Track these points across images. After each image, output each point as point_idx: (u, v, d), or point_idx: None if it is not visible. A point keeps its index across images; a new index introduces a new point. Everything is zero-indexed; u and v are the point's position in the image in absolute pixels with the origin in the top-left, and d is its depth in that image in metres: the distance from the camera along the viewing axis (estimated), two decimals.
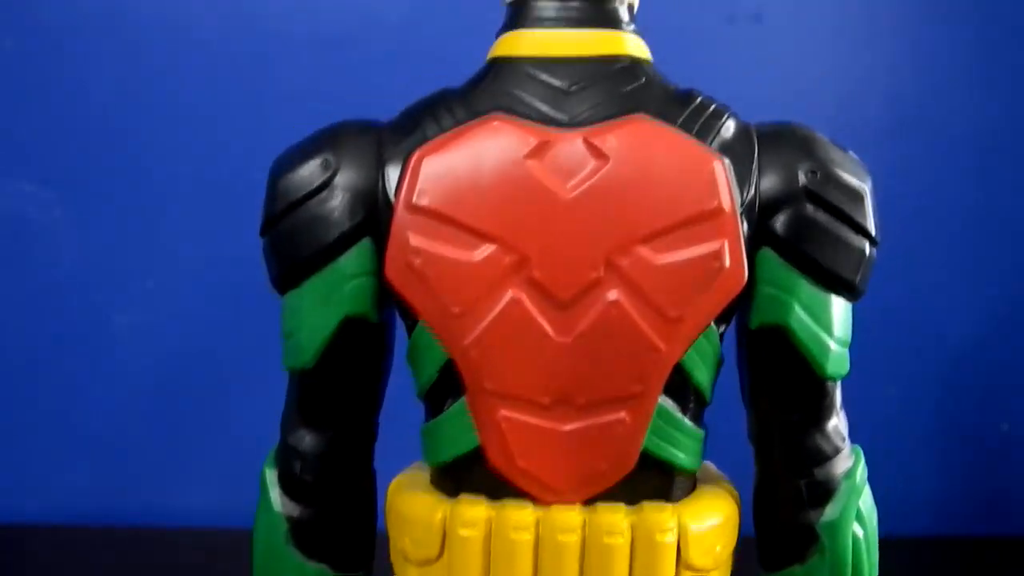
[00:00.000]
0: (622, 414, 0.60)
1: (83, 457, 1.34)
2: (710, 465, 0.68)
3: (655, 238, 0.58)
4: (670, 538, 0.60)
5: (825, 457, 0.63)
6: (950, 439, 1.37)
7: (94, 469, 1.35)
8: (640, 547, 0.60)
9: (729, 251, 0.58)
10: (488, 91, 0.61)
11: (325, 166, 0.61)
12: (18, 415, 1.34)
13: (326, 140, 0.63)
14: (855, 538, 0.63)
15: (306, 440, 0.64)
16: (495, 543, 0.60)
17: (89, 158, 1.30)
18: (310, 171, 0.61)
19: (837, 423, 0.64)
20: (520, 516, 0.60)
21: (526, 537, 0.60)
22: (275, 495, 0.65)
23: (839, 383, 0.64)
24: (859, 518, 0.63)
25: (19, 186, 1.31)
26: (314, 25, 1.30)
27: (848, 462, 0.64)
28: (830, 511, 0.63)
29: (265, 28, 1.29)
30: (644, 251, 0.58)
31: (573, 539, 0.60)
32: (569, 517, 0.60)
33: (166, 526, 1.32)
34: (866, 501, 0.64)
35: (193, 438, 1.34)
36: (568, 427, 0.60)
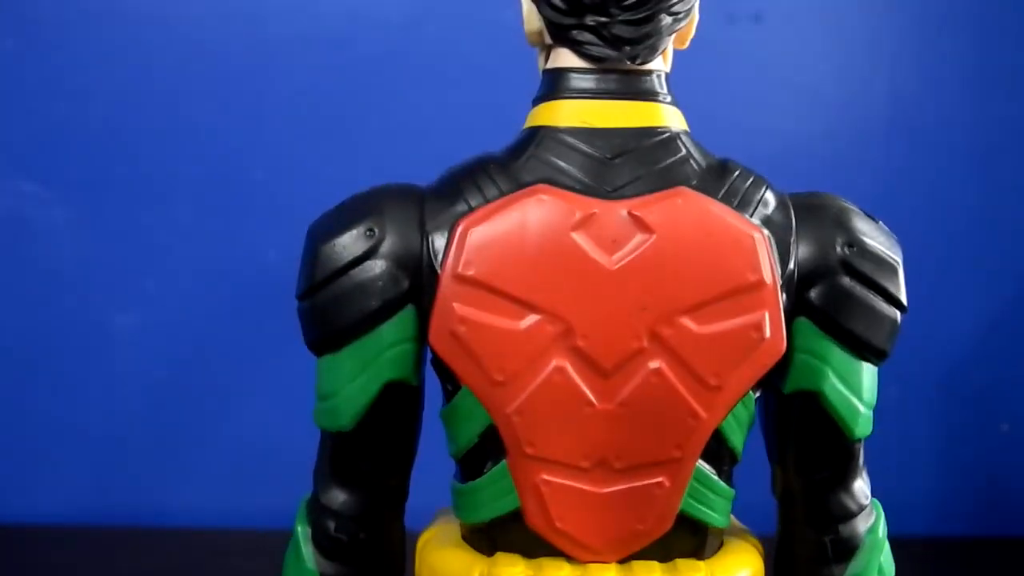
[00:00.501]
0: (661, 478, 0.60)
1: (83, 457, 1.34)
2: (733, 518, 0.69)
3: (698, 309, 0.59)
4: None
5: (850, 514, 0.65)
6: (950, 439, 1.37)
7: (94, 469, 1.35)
8: None
9: (770, 322, 0.59)
10: (531, 160, 0.61)
11: (369, 235, 0.61)
12: (18, 415, 1.34)
13: (369, 206, 0.62)
14: None
15: (340, 499, 0.64)
16: None
17: (89, 158, 1.30)
18: (353, 239, 0.61)
19: (861, 483, 0.66)
20: (558, 575, 0.61)
21: None
22: (308, 552, 0.65)
23: (863, 444, 0.66)
24: (881, 572, 0.66)
25: (19, 186, 1.31)
26: (314, 25, 1.30)
27: (870, 519, 0.66)
28: (853, 566, 0.65)
29: (265, 28, 1.29)
30: (687, 322, 0.59)
31: None
32: None
33: (166, 526, 1.32)
34: (887, 555, 0.66)
35: (193, 438, 1.34)
36: (607, 490, 0.61)
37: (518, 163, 0.62)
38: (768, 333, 0.59)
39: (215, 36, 1.29)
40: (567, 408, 0.60)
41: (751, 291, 0.59)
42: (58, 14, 1.28)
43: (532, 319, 0.59)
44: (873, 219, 0.65)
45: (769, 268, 0.60)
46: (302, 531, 0.65)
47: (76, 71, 1.28)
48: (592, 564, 0.61)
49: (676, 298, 0.59)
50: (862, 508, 0.65)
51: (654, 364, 0.59)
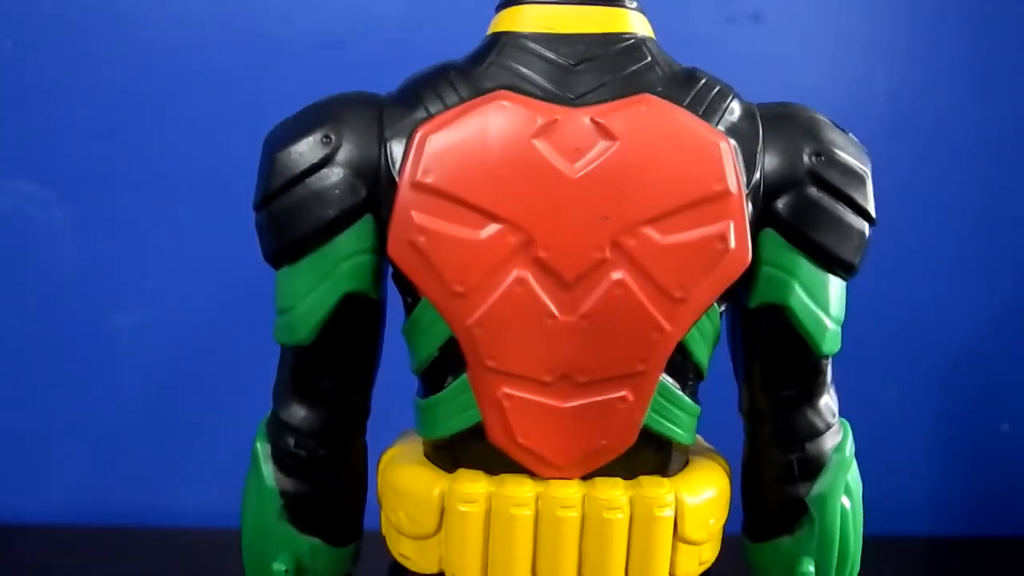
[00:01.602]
0: (624, 392, 0.60)
1: (83, 457, 1.34)
2: (700, 438, 0.69)
3: (661, 219, 0.58)
4: (668, 512, 0.61)
5: (817, 432, 0.64)
6: (950, 439, 1.37)
7: (94, 469, 1.35)
8: (638, 522, 0.61)
9: (735, 233, 0.59)
10: (492, 67, 0.61)
11: (325, 141, 0.60)
12: (18, 415, 1.34)
13: (326, 114, 0.62)
14: (843, 510, 0.64)
15: (300, 415, 0.64)
16: (495, 519, 0.60)
17: (89, 158, 1.30)
18: (310, 146, 0.60)
19: (828, 399, 0.65)
20: (520, 492, 0.60)
21: (526, 512, 0.60)
22: (268, 470, 0.64)
23: (831, 361, 0.65)
24: (847, 491, 0.64)
25: (19, 186, 1.31)
26: (314, 25, 1.30)
27: (837, 437, 0.65)
28: (820, 484, 0.64)
29: (265, 28, 1.29)
30: (650, 232, 0.58)
31: (572, 514, 0.60)
32: (568, 493, 0.60)
33: (166, 526, 1.32)
34: (854, 474, 0.65)
35: (193, 438, 1.34)
36: (569, 404, 0.60)
37: (479, 69, 0.61)
38: (733, 243, 0.59)
39: (215, 36, 1.29)
40: (529, 320, 0.59)
41: (716, 201, 0.58)
42: (58, 14, 1.28)
43: (493, 229, 0.58)
44: (843, 130, 0.64)
45: (735, 177, 0.59)
46: (261, 448, 0.65)
47: (76, 71, 1.28)
48: (555, 480, 0.61)
49: (639, 207, 0.58)
50: (829, 426, 0.65)
51: (617, 275, 0.58)
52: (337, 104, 0.62)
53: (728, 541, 0.67)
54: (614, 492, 0.60)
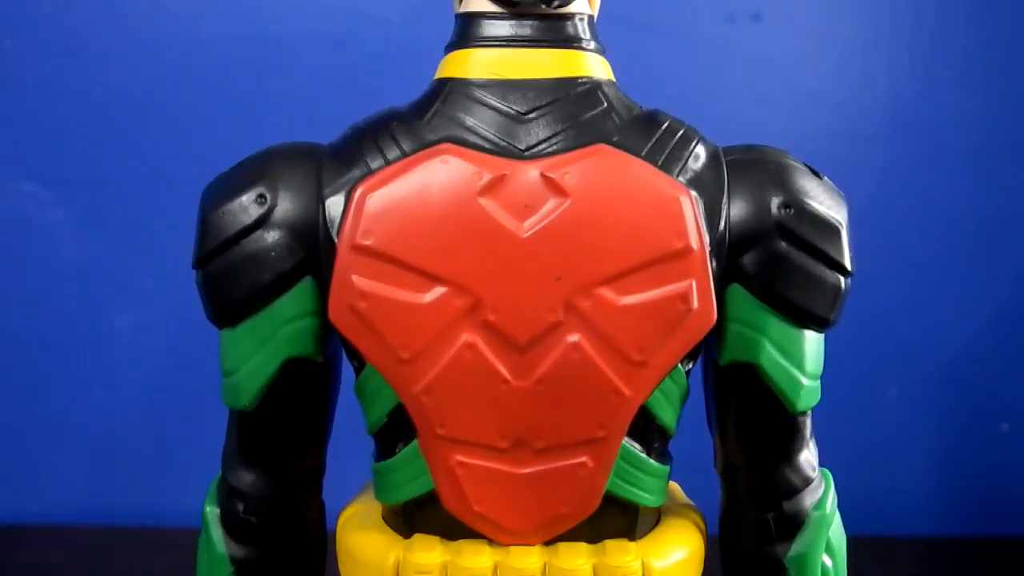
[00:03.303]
0: (584, 458, 0.57)
1: (83, 457, 1.34)
2: (677, 489, 0.66)
3: (618, 279, 0.55)
4: None
5: (795, 490, 0.61)
6: (950, 439, 1.37)
7: (94, 469, 1.35)
8: None
9: (697, 292, 0.55)
10: (436, 117, 0.57)
11: (260, 201, 0.57)
12: (18, 415, 1.34)
13: (260, 171, 0.58)
14: (824, 569, 0.61)
15: (248, 479, 0.61)
16: None
17: (89, 158, 1.30)
18: (243, 207, 0.57)
19: (808, 455, 0.62)
20: (477, 562, 0.57)
21: None
22: (217, 535, 0.62)
23: (809, 414, 0.61)
24: (828, 549, 0.61)
25: (19, 186, 1.31)
26: (314, 25, 1.30)
27: (818, 492, 0.62)
28: (798, 545, 0.61)
29: (265, 28, 1.29)
30: (606, 293, 0.55)
31: None
32: (528, 562, 0.57)
33: (166, 526, 1.32)
34: (835, 530, 0.62)
35: (193, 438, 1.34)
36: (526, 470, 0.57)
37: (422, 120, 0.57)
38: (696, 303, 0.55)
39: (215, 36, 1.29)
40: (480, 386, 0.56)
41: (676, 259, 0.55)
42: (58, 14, 1.28)
43: (438, 292, 0.55)
44: (817, 175, 0.59)
45: (696, 233, 0.55)
46: (211, 512, 0.62)
47: (76, 71, 1.28)
48: (514, 547, 0.58)
49: (594, 267, 0.55)
50: (808, 482, 0.61)
51: (572, 338, 0.55)
52: (273, 159, 0.59)
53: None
54: (576, 561, 0.57)
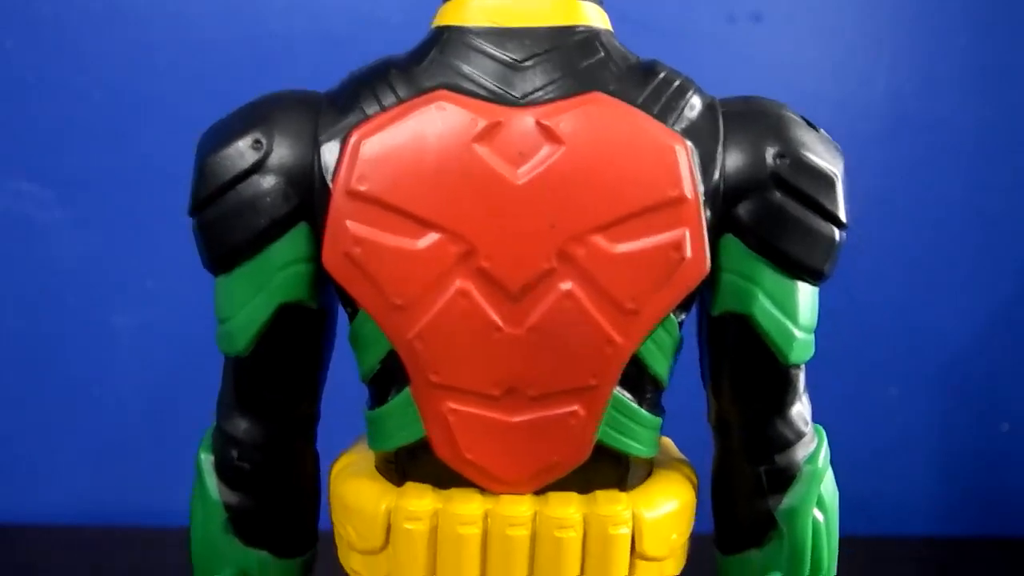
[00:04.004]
0: (575, 407, 0.57)
1: (83, 457, 1.34)
2: (670, 444, 0.67)
3: (611, 227, 0.55)
4: (624, 530, 0.58)
5: (787, 443, 0.61)
6: (950, 439, 1.37)
7: (94, 469, 1.35)
8: (593, 540, 0.58)
9: (691, 241, 0.56)
10: (433, 64, 0.57)
11: (256, 146, 0.57)
12: (18, 415, 1.34)
13: (258, 116, 0.59)
14: (815, 523, 0.61)
15: (242, 428, 0.62)
16: (441, 537, 0.58)
17: (89, 158, 1.30)
18: (240, 151, 0.57)
19: (800, 408, 0.62)
20: (467, 509, 0.58)
21: (473, 531, 0.58)
22: (212, 482, 0.63)
23: (803, 367, 0.62)
24: (820, 503, 0.61)
25: (19, 186, 1.31)
26: (314, 25, 1.30)
27: (810, 446, 0.62)
28: (789, 498, 0.61)
29: (265, 28, 1.29)
30: (600, 240, 0.55)
31: (522, 533, 0.58)
32: (519, 510, 0.58)
33: (166, 526, 1.32)
34: (827, 486, 0.62)
35: (193, 438, 1.34)
36: (518, 419, 0.57)
37: (420, 67, 0.57)
38: (689, 252, 0.55)
39: (215, 36, 1.29)
40: (473, 333, 0.56)
41: (670, 207, 0.55)
42: (58, 14, 1.28)
43: (432, 238, 0.55)
44: (813, 126, 0.59)
45: (690, 182, 0.55)
46: (205, 459, 0.63)
47: (76, 71, 1.28)
48: (505, 496, 0.58)
49: (588, 215, 0.55)
50: (800, 436, 0.61)
51: (565, 286, 0.55)
52: (270, 105, 0.59)
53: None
54: (567, 510, 0.58)
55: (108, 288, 1.32)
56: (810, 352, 0.61)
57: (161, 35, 1.28)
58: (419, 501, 0.58)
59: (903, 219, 1.33)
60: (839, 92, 1.32)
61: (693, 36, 1.27)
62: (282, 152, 0.57)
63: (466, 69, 0.57)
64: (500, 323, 0.56)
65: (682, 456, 0.66)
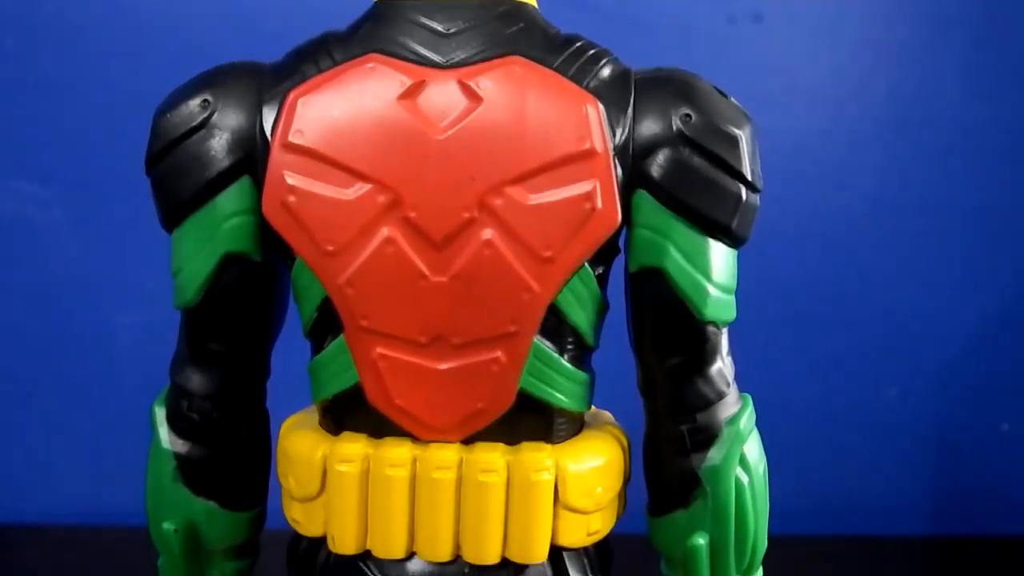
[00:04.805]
0: (497, 353, 0.60)
1: (83, 457, 1.34)
2: (606, 414, 0.69)
3: (527, 179, 0.59)
4: (546, 476, 0.61)
5: (707, 402, 0.63)
6: (950, 439, 1.37)
7: (94, 469, 1.35)
8: (516, 485, 0.61)
9: (601, 192, 0.59)
10: (368, 34, 0.62)
11: (204, 105, 0.62)
12: (18, 415, 1.34)
13: (207, 80, 0.64)
14: (739, 484, 0.63)
15: (193, 379, 0.65)
16: (372, 480, 0.61)
17: (89, 158, 1.30)
18: (189, 110, 0.62)
19: (722, 367, 0.64)
20: (396, 453, 0.61)
21: (402, 474, 0.61)
22: (163, 433, 0.66)
23: (724, 329, 0.64)
24: (743, 464, 0.63)
25: (19, 186, 1.31)
26: (315, 25, 1.29)
27: (733, 408, 0.64)
28: (711, 456, 0.63)
29: (265, 28, 1.29)
30: (516, 191, 0.59)
31: (449, 476, 0.61)
32: (445, 455, 0.61)
33: None
34: (752, 449, 0.64)
35: None
36: (444, 366, 0.60)
37: (356, 36, 0.63)
38: (600, 203, 0.59)
39: (215, 36, 1.29)
40: (400, 280, 0.60)
41: (581, 160, 0.59)
42: (58, 14, 1.28)
43: (362, 188, 0.59)
44: (723, 94, 0.63)
45: (600, 137, 0.59)
46: (159, 411, 0.67)
47: (76, 71, 1.28)
48: (434, 443, 0.61)
49: (505, 167, 0.59)
50: (722, 396, 0.64)
51: (486, 235, 0.59)
52: (220, 72, 0.64)
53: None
54: (491, 455, 0.61)
55: (108, 288, 1.32)
56: (730, 313, 0.63)
57: (161, 35, 1.29)
58: (352, 445, 0.62)
59: (902, 219, 1.33)
60: (839, 92, 1.32)
61: (693, 36, 1.27)
62: (228, 112, 0.62)
63: (399, 38, 0.62)
64: (426, 271, 0.60)
65: (616, 424, 0.68)
